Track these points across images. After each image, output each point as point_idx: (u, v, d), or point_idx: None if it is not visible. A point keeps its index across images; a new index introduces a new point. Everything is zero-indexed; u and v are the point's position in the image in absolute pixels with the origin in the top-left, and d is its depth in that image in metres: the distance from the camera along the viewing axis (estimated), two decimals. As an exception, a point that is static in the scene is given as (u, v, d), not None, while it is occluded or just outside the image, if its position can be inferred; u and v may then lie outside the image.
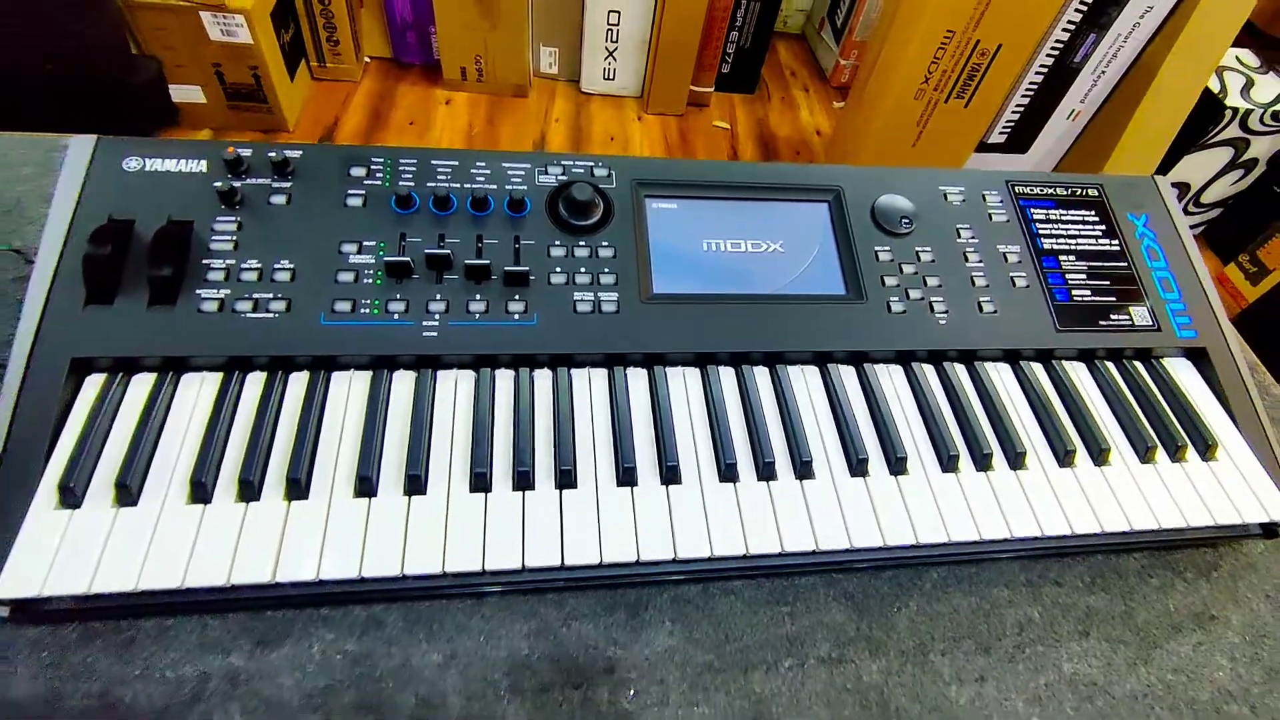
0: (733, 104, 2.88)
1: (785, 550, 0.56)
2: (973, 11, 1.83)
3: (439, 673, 0.54)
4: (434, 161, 0.68)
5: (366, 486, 0.54)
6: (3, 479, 0.51)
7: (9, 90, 1.69)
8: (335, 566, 0.50)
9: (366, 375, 0.60)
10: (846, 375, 0.67)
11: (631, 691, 0.55)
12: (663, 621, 0.59)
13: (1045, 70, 2.40)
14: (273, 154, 0.63)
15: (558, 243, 0.66)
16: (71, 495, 0.50)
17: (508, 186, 0.68)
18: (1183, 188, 2.62)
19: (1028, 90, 2.48)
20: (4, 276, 0.70)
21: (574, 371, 0.63)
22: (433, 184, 0.67)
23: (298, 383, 0.59)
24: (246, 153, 0.64)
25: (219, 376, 0.58)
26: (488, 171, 0.69)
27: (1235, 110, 2.38)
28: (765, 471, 0.59)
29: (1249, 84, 2.45)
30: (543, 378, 0.62)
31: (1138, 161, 2.39)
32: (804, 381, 0.66)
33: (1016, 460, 0.63)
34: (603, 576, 0.56)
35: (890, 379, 0.68)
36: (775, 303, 0.68)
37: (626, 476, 0.57)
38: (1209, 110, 2.39)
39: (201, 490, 0.52)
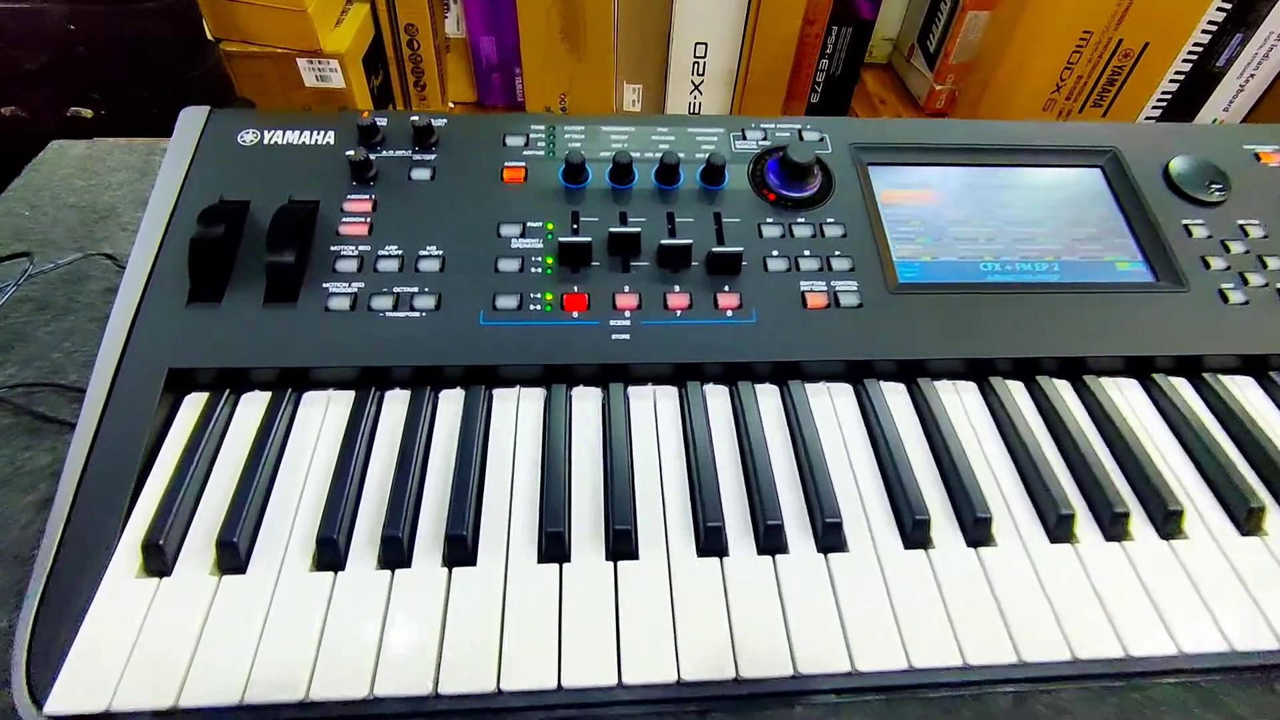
0: (821, 134, 2.74)
1: (1184, 651, 0.36)
2: (1115, 9, 1.65)
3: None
4: (605, 129, 0.54)
5: (557, 547, 0.38)
6: (73, 537, 0.37)
7: (114, 128, 1.70)
8: (528, 674, 0.34)
9: (539, 394, 0.45)
10: (1182, 390, 0.48)
11: None
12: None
13: (1183, 76, 2.18)
14: (415, 119, 0.51)
15: (770, 220, 0.51)
16: (159, 557, 0.36)
17: (698, 155, 0.54)
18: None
19: (1161, 99, 2.25)
20: (94, 287, 0.59)
21: (809, 387, 0.46)
22: (607, 153, 0.53)
23: (451, 403, 0.44)
24: (383, 121, 0.52)
25: (351, 395, 0.44)
26: (671, 139, 0.55)
27: None
28: (1114, 527, 0.40)
29: None
30: (768, 395, 0.46)
31: (1301, 172, 2.11)
32: (1123, 398, 0.47)
33: None
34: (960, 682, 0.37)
35: (1244, 396, 0.48)
36: (1061, 293, 0.50)
37: (916, 534, 0.39)
38: (1380, 113, 2.11)
39: (332, 551, 0.37)
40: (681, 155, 0.52)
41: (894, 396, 0.46)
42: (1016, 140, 0.57)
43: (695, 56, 2.62)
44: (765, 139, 0.55)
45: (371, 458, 0.41)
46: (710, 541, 0.38)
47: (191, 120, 0.51)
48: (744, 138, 0.55)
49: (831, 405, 0.46)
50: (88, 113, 1.71)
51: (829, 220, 0.51)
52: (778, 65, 2.45)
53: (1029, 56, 1.82)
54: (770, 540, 0.39)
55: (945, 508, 0.41)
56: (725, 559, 0.38)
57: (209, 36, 1.95)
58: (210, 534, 0.37)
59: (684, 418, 0.44)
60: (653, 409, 0.45)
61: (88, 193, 0.68)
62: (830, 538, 0.39)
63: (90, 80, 1.64)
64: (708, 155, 0.51)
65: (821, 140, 0.55)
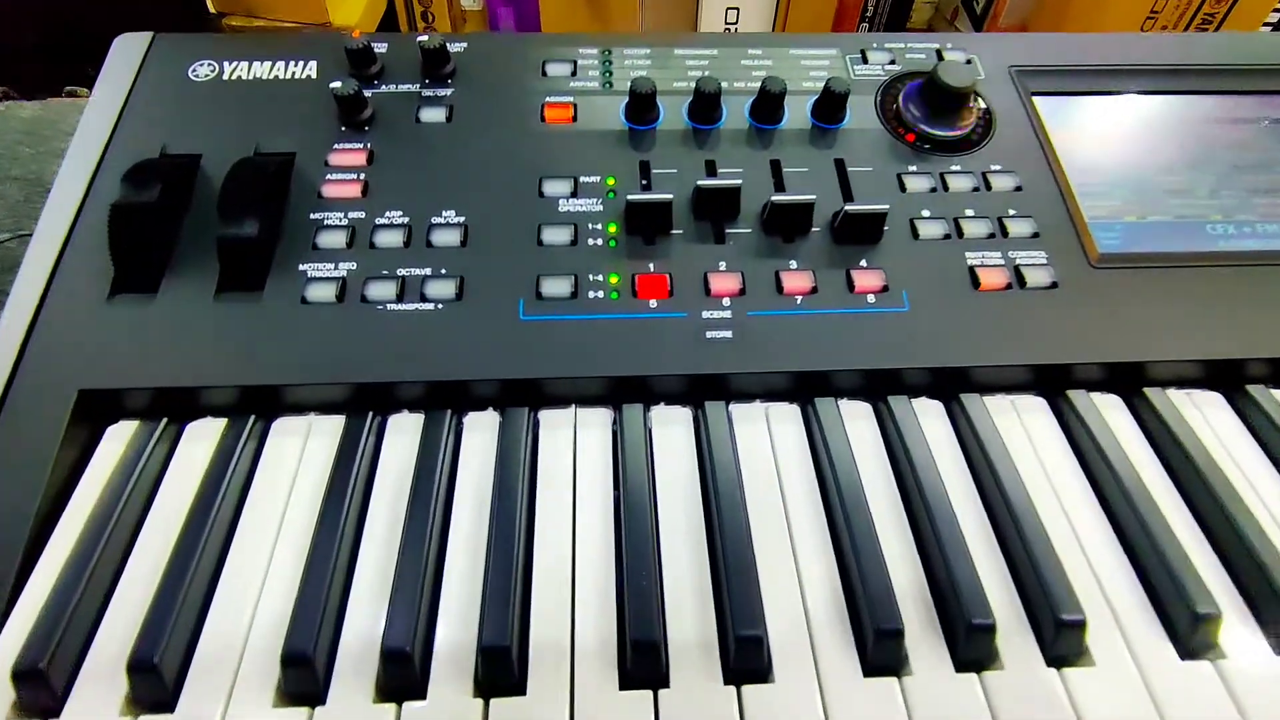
0: (860, 106, 2.56)
1: None
2: (1211, -54, 1.46)
3: None
4: (678, 52, 0.41)
5: (649, 664, 0.25)
6: (-86, 648, 0.25)
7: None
8: None
9: (604, 417, 0.32)
10: None
11: None
12: None
13: (1268, 26, 1.97)
14: (424, 40, 0.37)
15: (914, 168, 0.37)
16: (41, 689, 0.23)
17: (806, 84, 0.40)
18: None
19: (1248, 55, 2.04)
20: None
21: (988, 401, 0.32)
22: (683, 83, 0.39)
23: (481, 433, 0.31)
24: (381, 46, 0.39)
25: (338, 423, 0.31)
26: (768, 64, 0.41)
27: None
28: None
29: None
30: (932, 415, 0.32)
31: None
32: None
33: None
34: None
35: None
36: (1327, 265, 0.35)
37: (1198, 637, 0.26)
38: None
39: (305, 673, 0.24)
40: (786, 84, 0.38)
41: (1112, 414, 0.32)
42: (1230, 58, 0.42)
43: (726, 23, 2.44)
44: (894, 62, 0.41)
45: (368, 518, 0.28)
46: (883, 653, 0.25)
47: (128, 50, 0.38)
48: (865, 61, 0.41)
49: (1023, 429, 0.32)
50: (84, 92, 1.61)
51: (995, 168, 0.37)
52: (815, 30, 2.27)
53: (1102, 8, 1.63)
54: (974, 649, 0.25)
55: (1229, 594, 0.27)
56: (905, 679, 0.25)
57: (210, 10, 1.83)
58: (123, 649, 0.24)
59: (818, 452, 0.31)
60: (767, 437, 0.31)
61: (34, 162, 0.56)
62: (1066, 644, 0.25)
63: (86, 57, 1.53)
64: (824, 82, 0.38)
65: (969, 63, 0.41)
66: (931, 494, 0.29)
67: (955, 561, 0.27)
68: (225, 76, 0.38)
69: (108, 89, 0.37)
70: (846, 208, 0.33)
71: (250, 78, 0.38)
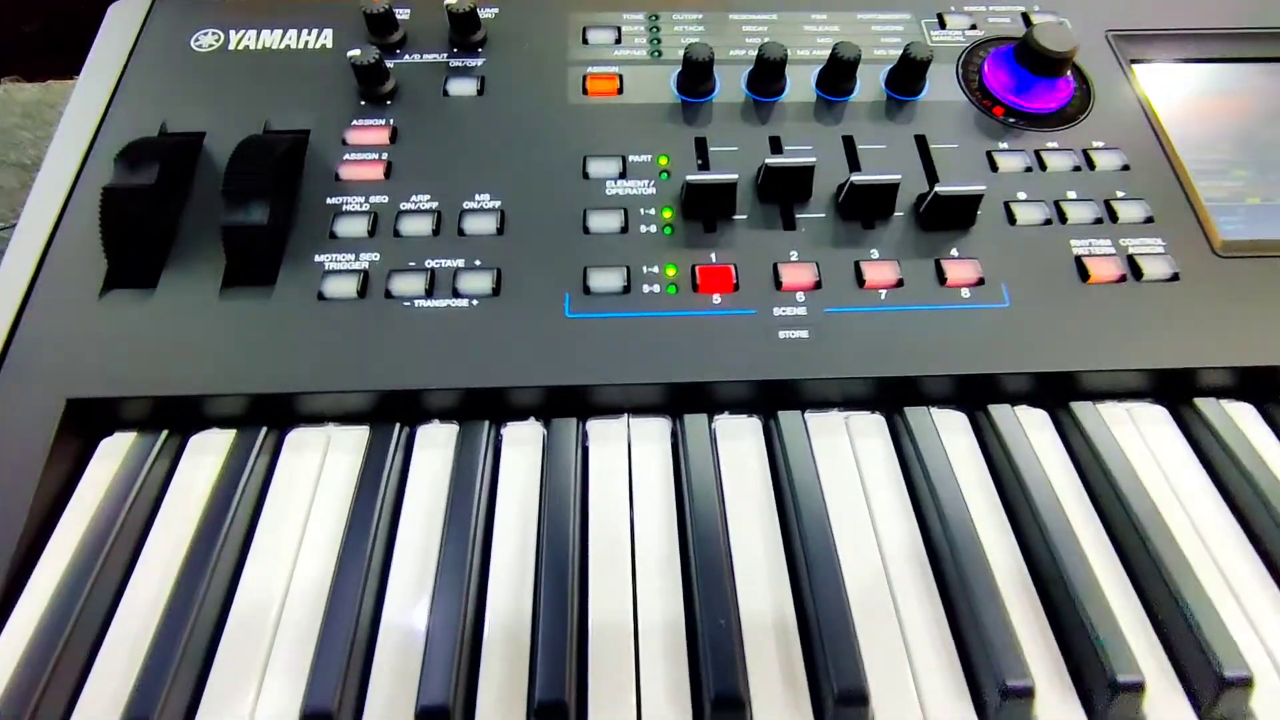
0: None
1: None
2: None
3: None
4: (734, 17, 0.37)
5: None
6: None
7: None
8: None
9: (662, 429, 0.28)
10: None
11: None
12: None
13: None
14: (452, 4, 0.34)
15: (1005, 145, 0.33)
16: (18, 755, 0.20)
17: (878, 51, 0.36)
18: None
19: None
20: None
21: (1103, 410, 0.28)
22: (741, 51, 0.35)
23: (523, 448, 0.27)
24: (404, 12, 0.35)
25: (361, 436, 0.27)
26: (834, 29, 0.36)
27: None
28: None
29: None
30: (1038, 426, 0.28)
31: None
32: None
33: None
34: None
35: None
36: None
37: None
38: None
39: (328, 734, 0.21)
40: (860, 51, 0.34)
41: (1247, 425, 0.28)
42: (1354, 21, 0.38)
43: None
44: (975, 28, 0.37)
45: (397, 545, 0.25)
46: (1009, 714, 0.21)
47: (124, 18, 0.35)
48: (943, 26, 0.37)
49: (1144, 443, 0.28)
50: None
51: (1096, 144, 0.33)
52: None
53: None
54: (1118, 711, 0.21)
55: None
56: (1035, 745, 0.21)
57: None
58: (116, 703, 0.21)
59: (910, 471, 0.27)
60: (850, 452, 0.27)
61: (34, 147, 0.53)
62: (1229, 704, 0.21)
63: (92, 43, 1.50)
64: (899, 49, 0.33)
65: (1061, 25, 0.37)
66: (1050, 522, 0.24)
67: (1087, 605, 0.22)
68: (231, 46, 0.34)
69: (101, 61, 0.33)
70: (937, 189, 0.29)
71: (259, 47, 0.34)
